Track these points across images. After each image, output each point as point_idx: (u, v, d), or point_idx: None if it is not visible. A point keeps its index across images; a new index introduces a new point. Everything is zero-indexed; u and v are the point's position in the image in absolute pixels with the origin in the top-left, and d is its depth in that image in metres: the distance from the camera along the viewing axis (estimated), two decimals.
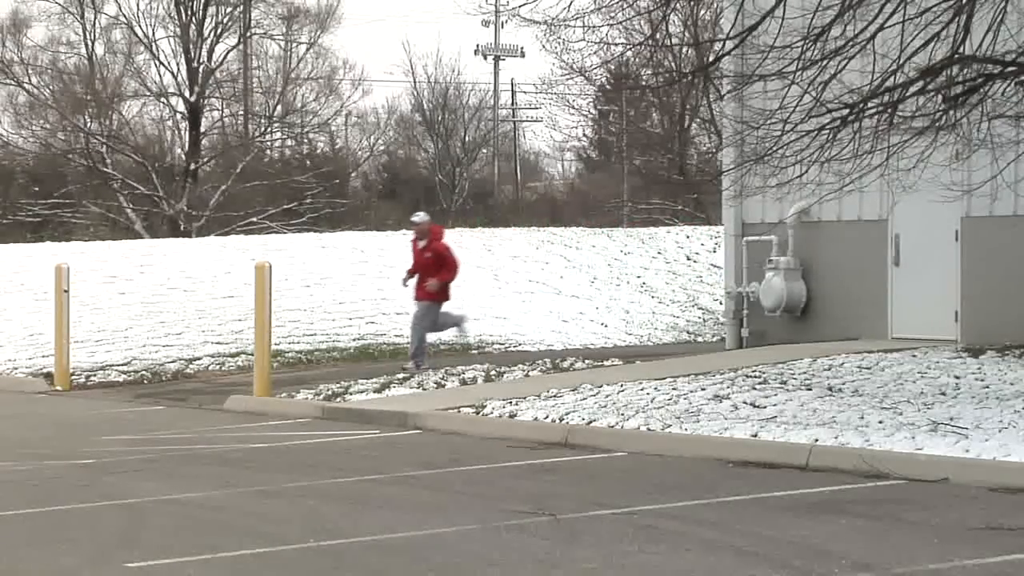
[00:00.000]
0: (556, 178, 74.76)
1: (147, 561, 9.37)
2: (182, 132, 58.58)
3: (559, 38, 41.60)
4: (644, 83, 39.90)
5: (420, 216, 21.68)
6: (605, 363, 20.14)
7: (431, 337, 21.59)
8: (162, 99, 57.88)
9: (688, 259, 32.94)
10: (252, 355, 20.64)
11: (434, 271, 20.46)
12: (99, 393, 21.43)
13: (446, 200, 62.61)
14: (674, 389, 16.43)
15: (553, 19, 15.70)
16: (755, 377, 17.05)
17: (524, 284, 30.27)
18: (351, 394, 18.42)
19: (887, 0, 13.93)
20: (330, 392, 18.65)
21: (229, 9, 57.80)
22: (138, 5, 62.87)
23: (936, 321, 20.22)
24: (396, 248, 33.90)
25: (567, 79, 53.23)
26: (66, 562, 9.49)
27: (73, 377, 22.42)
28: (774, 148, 15.00)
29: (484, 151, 68.73)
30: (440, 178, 63.82)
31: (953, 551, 8.98)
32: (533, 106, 70.69)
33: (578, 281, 30.24)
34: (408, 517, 10.64)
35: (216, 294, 29.42)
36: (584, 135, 63.01)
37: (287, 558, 9.43)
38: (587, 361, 20.29)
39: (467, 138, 65.97)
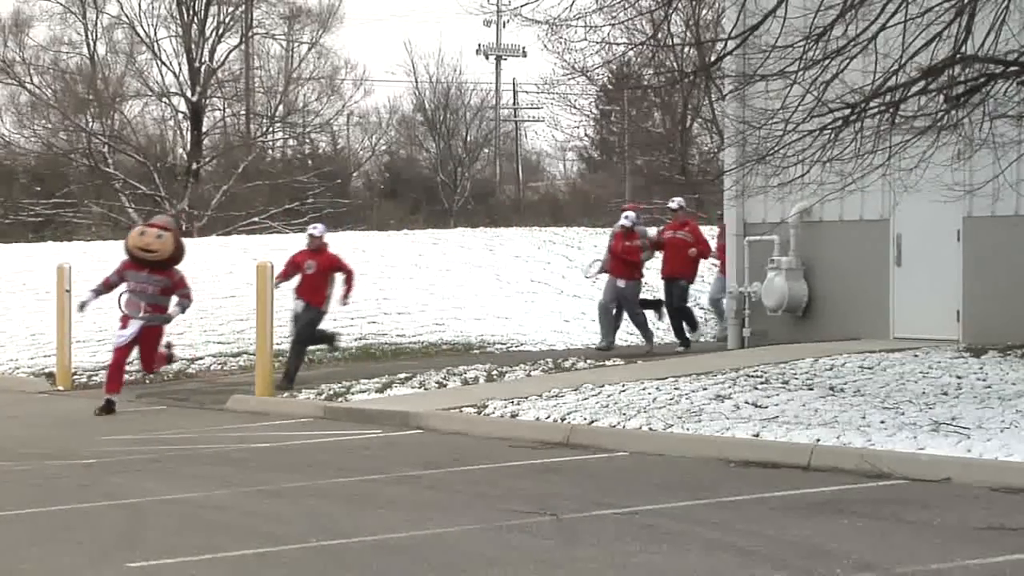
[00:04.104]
0: (558, 178, 74.78)
1: (149, 561, 9.37)
2: (184, 132, 58.67)
3: (561, 38, 41.66)
4: (646, 83, 39.94)
5: None
6: (607, 363, 20.14)
7: None
8: (164, 99, 57.98)
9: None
10: (254, 355, 20.65)
11: None
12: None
13: (448, 200, 62.65)
14: (676, 389, 16.42)
15: (555, 19, 15.69)
16: (757, 377, 17.05)
17: (526, 284, 30.26)
18: (353, 394, 18.43)
19: (889, 0, 13.93)
20: (332, 392, 18.65)
21: (231, 9, 57.88)
22: (140, 5, 62.93)
23: (938, 321, 20.21)
24: (398, 248, 33.91)
25: (569, 79, 53.32)
26: (67, 562, 9.49)
27: (75, 377, 22.42)
28: (776, 148, 15.00)
29: (486, 151, 68.76)
30: (442, 178, 63.84)
31: (955, 551, 8.98)
32: (535, 106, 70.75)
33: (580, 281, 30.18)
34: (410, 517, 10.64)
35: (218, 294, 29.41)
36: (586, 135, 63.06)
37: (289, 558, 9.43)
38: (589, 361, 20.29)
39: (469, 138, 66.02)
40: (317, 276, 20.11)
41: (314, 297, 20.18)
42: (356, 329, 26.49)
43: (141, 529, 10.68)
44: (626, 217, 22.73)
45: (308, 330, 20.31)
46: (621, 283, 22.48)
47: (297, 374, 20.01)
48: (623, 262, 22.47)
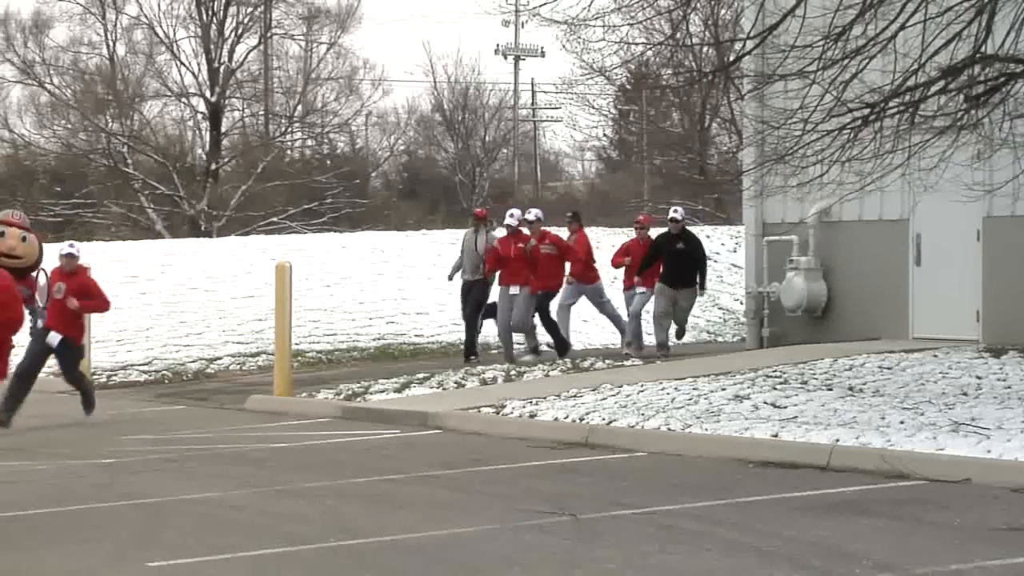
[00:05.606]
0: (576, 178, 74.72)
1: (168, 560, 9.38)
2: (203, 132, 58.78)
3: (579, 38, 41.44)
4: (664, 83, 39.96)
5: None
6: (625, 363, 20.13)
7: None
8: (183, 99, 58.07)
9: (708, 259, 32.84)
10: (272, 355, 20.66)
11: None
12: (120, 393, 21.48)
13: (466, 200, 62.62)
14: (694, 389, 16.40)
15: (573, 19, 15.70)
16: (775, 377, 17.02)
17: None
18: (371, 394, 18.43)
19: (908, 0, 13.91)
20: (350, 392, 18.66)
21: (250, 9, 57.93)
22: (159, 6, 63.05)
23: (957, 321, 20.15)
24: (416, 248, 33.90)
25: (587, 79, 53.23)
26: (86, 562, 9.50)
27: (94, 377, 22.43)
28: (795, 148, 14.97)
29: (504, 151, 68.74)
30: (460, 178, 63.85)
31: (975, 552, 8.95)
32: (553, 106, 70.68)
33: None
34: (428, 517, 10.64)
35: (237, 294, 29.45)
36: (604, 135, 63.02)
37: (307, 558, 9.43)
38: (607, 361, 20.27)
39: (487, 138, 66.01)
40: (65, 302, 17.42)
41: (68, 328, 17.57)
42: (375, 329, 26.53)
43: (159, 528, 10.70)
44: (511, 216, 21.46)
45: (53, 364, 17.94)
46: (515, 290, 21.03)
47: (19, 407, 17.32)
48: (522, 266, 20.95)
